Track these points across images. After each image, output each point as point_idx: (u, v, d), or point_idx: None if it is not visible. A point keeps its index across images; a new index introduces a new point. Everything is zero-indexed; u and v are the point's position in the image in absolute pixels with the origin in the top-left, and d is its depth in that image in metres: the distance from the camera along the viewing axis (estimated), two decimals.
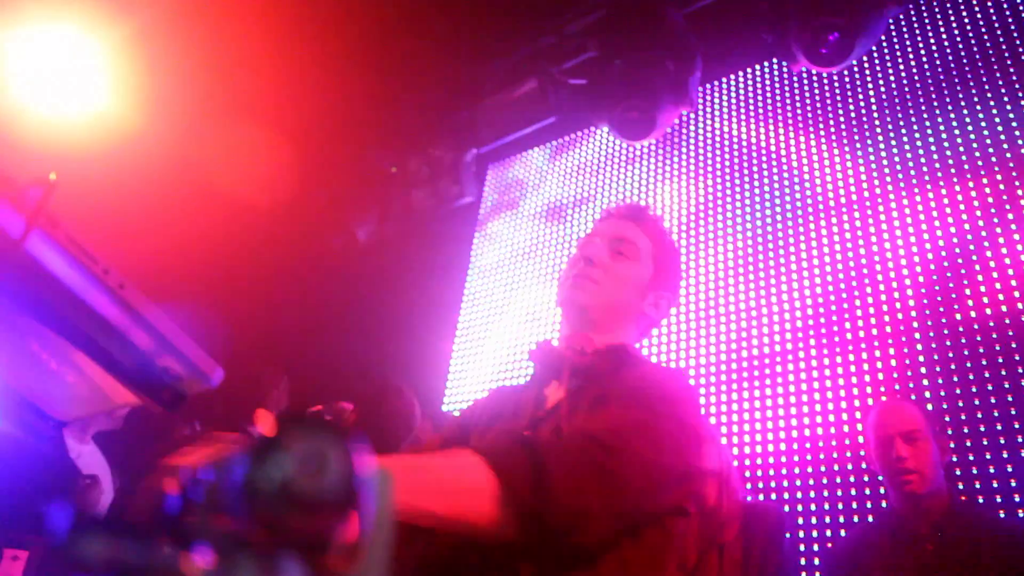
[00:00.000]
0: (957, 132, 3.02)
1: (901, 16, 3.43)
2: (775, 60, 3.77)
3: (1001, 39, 3.09)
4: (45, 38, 3.45)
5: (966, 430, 2.46)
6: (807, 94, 3.61)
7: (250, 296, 3.91)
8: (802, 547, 2.56)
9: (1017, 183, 2.77)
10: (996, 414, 2.44)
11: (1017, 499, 2.30)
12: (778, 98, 3.71)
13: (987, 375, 2.51)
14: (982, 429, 2.44)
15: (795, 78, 3.68)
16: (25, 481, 1.52)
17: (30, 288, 0.74)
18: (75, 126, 3.44)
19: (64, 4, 3.40)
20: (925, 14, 3.41)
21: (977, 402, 2.49)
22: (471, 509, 0.88)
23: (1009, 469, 2.35)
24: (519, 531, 0.89)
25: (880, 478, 2.33)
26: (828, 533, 2.55)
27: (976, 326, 2.60)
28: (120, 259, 0.81)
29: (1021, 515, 2.28)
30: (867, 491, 2.55)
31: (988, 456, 2.39)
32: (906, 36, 3.41)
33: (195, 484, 0.44)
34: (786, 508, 2.64)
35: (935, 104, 3.14)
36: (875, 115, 3.31)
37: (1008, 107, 2.94)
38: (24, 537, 1.69)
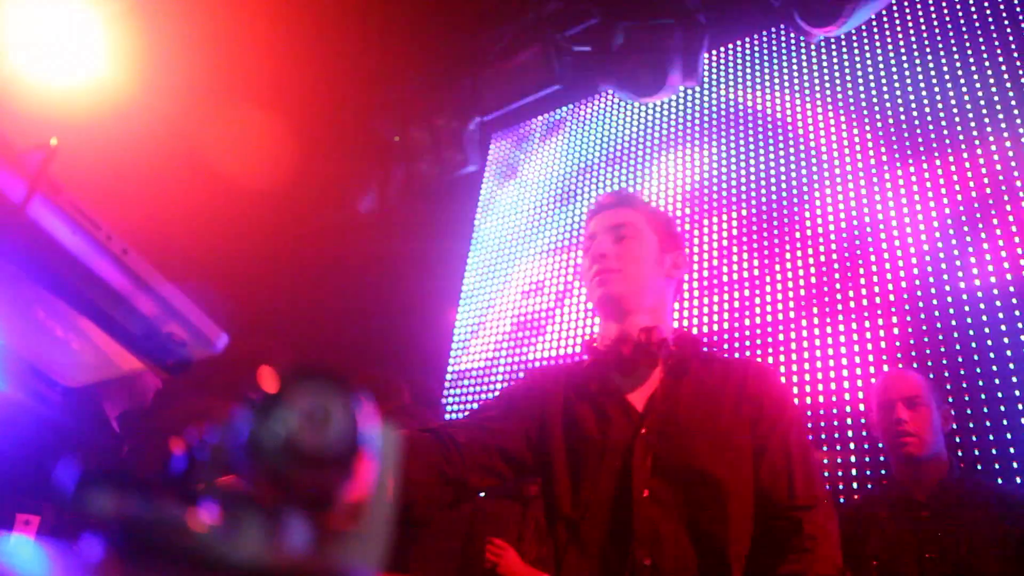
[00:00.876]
0: (967, 98, 2.98)
1: None
2: (782, 27, 3.72)
3: (1003, 8, 3.04)
4: (44, 5, 3.40)
5: (967, 398, 2.47)
6: (815, 61, 3.56)
7: (252, 269, 3.91)
8: None
9: None
10: (997, 382, 2.45)
11: (1016, 466, 2.32)
12: (785, 65, 3.66)
13: (989, 343, 2.51)
14: (983, 397, 2.45)
15: (803, 46, 3.63)
16: (34, 446, 1.54)
17: (33, 254, 0.74)
18: (73, 93, 3.40)
19: None
20: None
21: (978, 370, 2.50)
22: None
23: (1008, 436, 2.36)
24: None
25: (880, 445, 2.35)
26: None
27: (980, 294, 2.60)
28: (120, 227, 0.81)
29: (1019, 482, 2.30)
30: (867, 459, 2.58)
31: (988, 424, 2.41)
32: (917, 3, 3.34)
33: (201, 444, 0.45)
34: None
35: (944, 69, 3.10)
36: (883, 82, 3.27)
37: (1010, 74, 2.90)
38: (35, 502, 1.72)
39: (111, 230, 0.78)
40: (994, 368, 2.47)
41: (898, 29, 3.34)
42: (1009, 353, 2.46)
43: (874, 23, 3.39)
